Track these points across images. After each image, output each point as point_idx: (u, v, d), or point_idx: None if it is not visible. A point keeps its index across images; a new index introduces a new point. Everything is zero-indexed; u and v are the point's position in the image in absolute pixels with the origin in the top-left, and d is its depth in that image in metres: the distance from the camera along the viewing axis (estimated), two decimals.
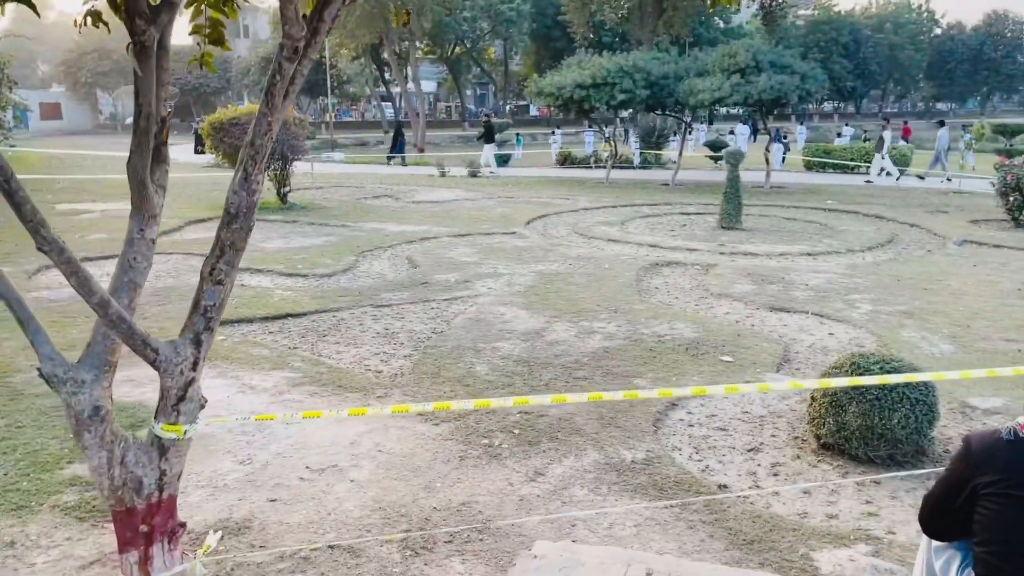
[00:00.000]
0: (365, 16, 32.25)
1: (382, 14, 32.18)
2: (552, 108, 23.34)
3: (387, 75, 52.24)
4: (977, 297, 8.54)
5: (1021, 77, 74.78)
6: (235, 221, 2.30)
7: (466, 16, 47.34)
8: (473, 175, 22.95)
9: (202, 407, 2.60)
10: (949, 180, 21.10)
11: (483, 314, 7.72)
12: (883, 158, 21.71)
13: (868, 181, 21.49)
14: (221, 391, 5.54)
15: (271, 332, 7.18)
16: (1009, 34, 71.48)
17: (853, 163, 23.98)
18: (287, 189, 15.51)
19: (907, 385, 4.50)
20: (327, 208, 15.59)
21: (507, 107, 63.01)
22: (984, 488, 2.10)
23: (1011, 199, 13.56)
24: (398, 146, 28.69)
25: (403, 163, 27.68)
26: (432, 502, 4.02)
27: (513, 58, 60.52)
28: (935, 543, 2.35)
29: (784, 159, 26.60)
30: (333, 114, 46.56)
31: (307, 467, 4.40)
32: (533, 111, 64.47)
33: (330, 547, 3.54)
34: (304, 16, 2.19)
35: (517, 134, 35.83)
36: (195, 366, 2.45)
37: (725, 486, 4.30)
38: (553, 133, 31.89)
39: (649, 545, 3.62)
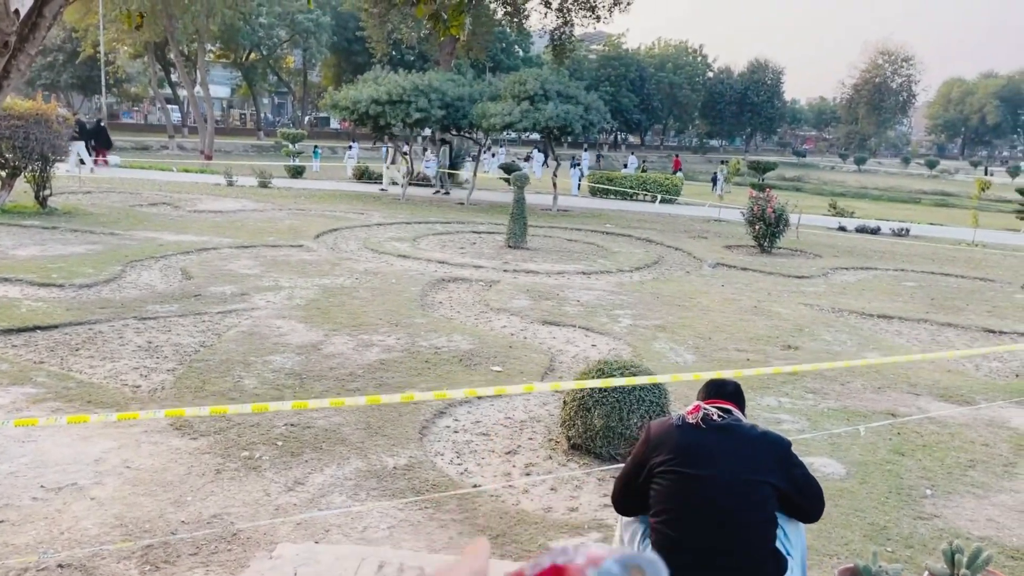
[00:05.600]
0: (145, 12, 30.20)
1: (166, 11, 30.36)
2: (350, 122, 23.17)
3: (173, 76, 49.18)
4: (721, 313, 9.57)
5: (778, 120, 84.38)
6: None
7: (262, 22, 45.69)
8: (264, 185, 22.22)
9: None
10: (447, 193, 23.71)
11: (258, 327, 7.54)
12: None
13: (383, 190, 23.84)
14: None
15: (14, 345, 6.57)
16: (769, 81, 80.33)
17: (633, 191, 25.90)
18: (47, 192, 14.18)
19: (643, 389, 5.01)
20: (94, 215, 14.43)
21: (306, 118, 61.48)
22: (658, 467, 2.45)
23: (757, 227, 15.30)
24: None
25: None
26: (180, 516, 3.91)
27: (313, 69, 59.17)
28: (624, 519, 2.68)
29: (580, 185, 28.15)
30: (105, 113, 42.99)
31: (42, 486, 4.11)
32: (334, 124, 63.38)
33: (59, 566, 3.35)
34: (16, 12, 2.13)
35: (315, 146, 35.08)
36: None
37: (478, 486, 4.54)
38: (350, 147, 31.61)
39: (400, 544, 3.75)
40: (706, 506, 2.36)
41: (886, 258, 15.30)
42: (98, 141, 25.46)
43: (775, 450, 2.47)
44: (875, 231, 19.97)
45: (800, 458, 2.59)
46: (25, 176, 13.79)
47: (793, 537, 2.51)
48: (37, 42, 2.28)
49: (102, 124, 28.10)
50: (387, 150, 27.12)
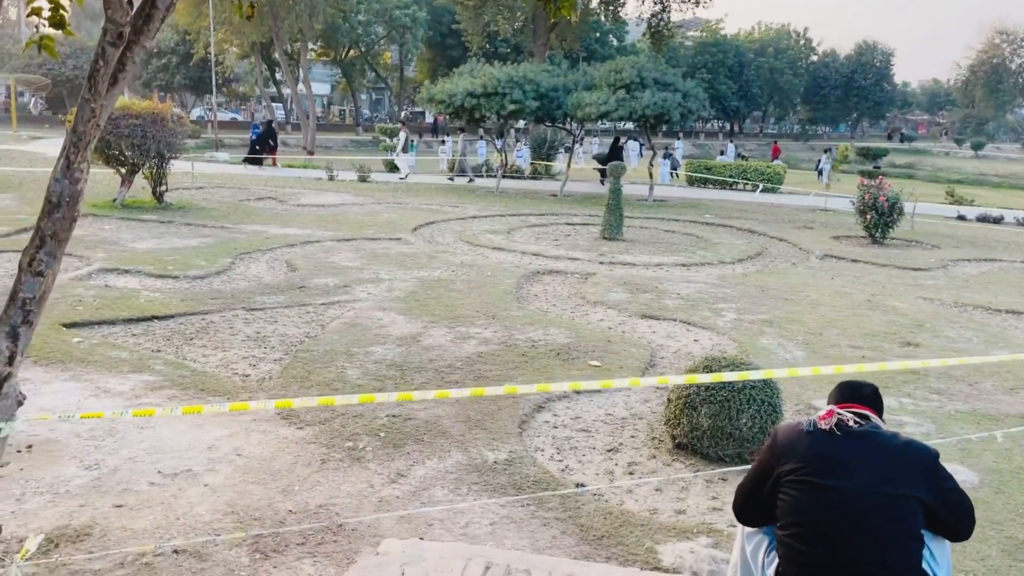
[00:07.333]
0: (254, 3, 31.36)
1: (272, 12, 31.39)
2: (446, 115, 23.37)
3: (278, 75, 50.95)
4: (832, 308, 9.11)
5: (887, 105, 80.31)
6: (57, 210, 2.21)
7: (361, 20, 46.73)
8: (363, 179, 22.69)
9: (20, 404, 2.47)
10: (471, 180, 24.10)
11: (360, 319, 7.64)
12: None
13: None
14: (72, 395, 5.27)
15: (134, 334, 6.88)
16: (877, 64, 76.52)
17: (732, 179, 25.15)
18: (163, 188, 14.87)
19: (754, 387, 4.77)
20: (206, 209, 15.04)
21: (402, 113, 62.57)
22: (786, 476, 2.27)
23: (868, 217, 14.55)
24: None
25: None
26: (288, 505, 3.96)
27: (409, 64, 60.14)
28: (747, 529, 2.51)
29: (674, 175, 27.57)
30: (216, 112, 44.95)
31: (159, 472, 4.25)
32: (429, 118, 64.29)
33: (175, 551, 3.43)
34: (130, 3, 2.14)
35: (412, 141, 35.66)
36: (11, 361, 2.33)
37: (582, 484, 4.43)
38: (443, 142, 31.92)
39: (502, 542, 3.68)
40: (842, 520, 2.17)
41: (1012, 249, 14.30)
42: (269, 142, 26.86)
43: (921, 461, 2.25)
44: (998, 220, 18.72)
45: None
46: (143, 173, 14.49)
47: (939, 557, 2.29)
48: (151, 34, 2.30)
49: (272, 126, 29.27)
50: (402, 137, 26.68)
